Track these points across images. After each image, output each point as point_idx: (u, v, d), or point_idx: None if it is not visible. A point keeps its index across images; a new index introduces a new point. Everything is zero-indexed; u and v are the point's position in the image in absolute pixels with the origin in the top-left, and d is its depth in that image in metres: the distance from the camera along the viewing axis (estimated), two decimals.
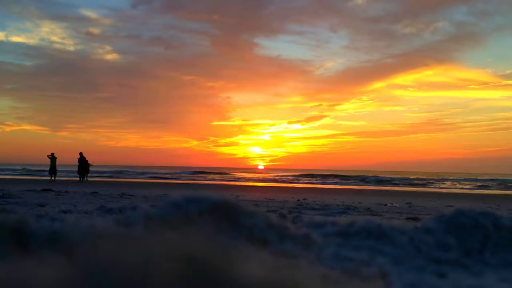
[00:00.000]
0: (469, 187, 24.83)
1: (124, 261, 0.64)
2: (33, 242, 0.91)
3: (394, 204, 8.36)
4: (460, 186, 25.25)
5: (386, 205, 8.13)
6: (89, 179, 21.72)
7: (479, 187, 24.70)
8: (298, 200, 8.89)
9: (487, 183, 27.57)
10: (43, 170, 22.47)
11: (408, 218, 4.80)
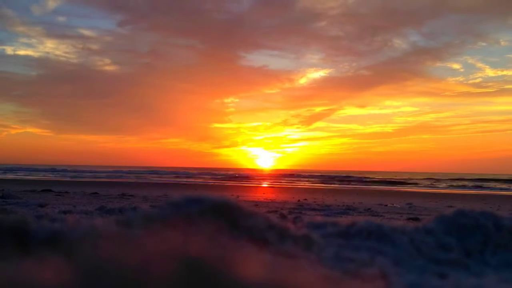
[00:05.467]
0: (469, 187, 24.83)
1: (124, 262, 0.64)
2: (33, 243, 0.91)
3: (394, 205, 8.36)
4: (460, 186, 25.25)
5: (386, 205, 8.13)
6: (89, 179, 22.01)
7: (478, 187, 24.71)
8: (298, 200, 8.89)
9: (486, 183, 27.59)
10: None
11: (408, 219, 4.80)
